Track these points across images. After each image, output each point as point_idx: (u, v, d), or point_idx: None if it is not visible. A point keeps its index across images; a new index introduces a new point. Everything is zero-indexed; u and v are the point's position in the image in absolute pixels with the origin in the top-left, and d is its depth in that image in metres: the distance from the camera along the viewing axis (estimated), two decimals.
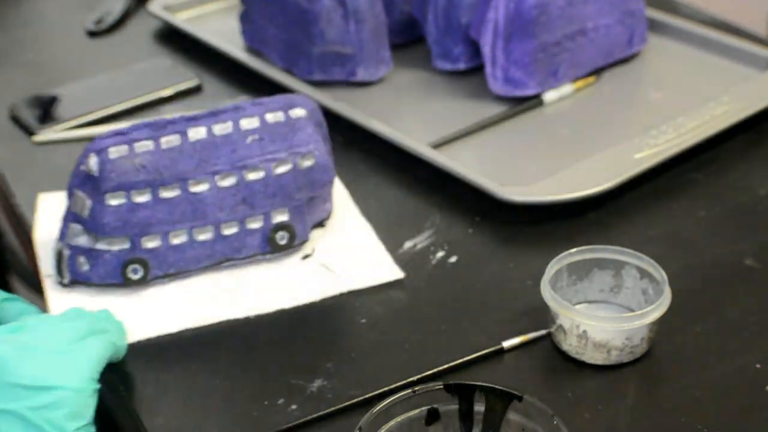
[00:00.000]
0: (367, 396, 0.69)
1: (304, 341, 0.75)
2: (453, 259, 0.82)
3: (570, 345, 0.71)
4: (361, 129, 0.95)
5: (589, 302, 0.76)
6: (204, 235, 0.78)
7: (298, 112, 0.80)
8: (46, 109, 1.05)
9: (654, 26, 1.13)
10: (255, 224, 0.79)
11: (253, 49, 1.11)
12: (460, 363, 0.71)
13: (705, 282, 0.79)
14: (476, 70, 1.05)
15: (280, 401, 0.69)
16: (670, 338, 0.73)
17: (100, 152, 0.75)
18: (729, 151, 0.94)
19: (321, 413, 0.68)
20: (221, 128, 0.77)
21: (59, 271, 0.78)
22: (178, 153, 0.76)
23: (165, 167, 0.76)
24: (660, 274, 0.72)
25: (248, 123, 0.78)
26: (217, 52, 1.12)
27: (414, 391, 0.63)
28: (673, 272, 0.75)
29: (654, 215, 0.86)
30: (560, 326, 0.71)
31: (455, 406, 0.64)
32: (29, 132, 1.02)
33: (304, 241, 0.81)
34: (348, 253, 0.82)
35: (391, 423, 0.63)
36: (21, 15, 1.29)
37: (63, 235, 0.78)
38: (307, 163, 0.79)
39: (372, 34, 1.02)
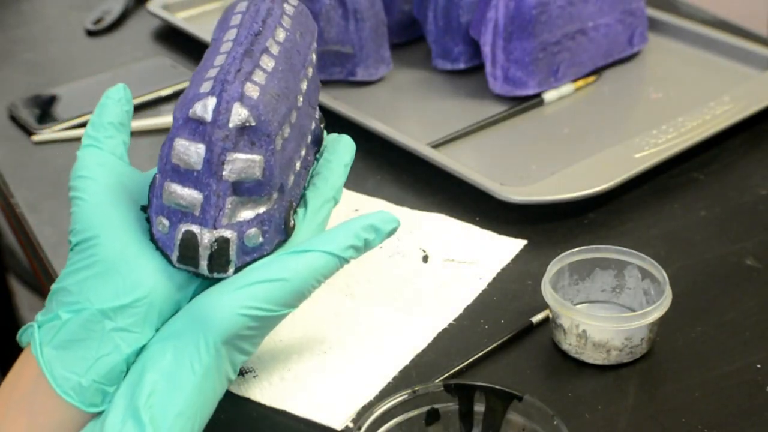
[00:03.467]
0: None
1: None
2: None
3: (570, 345, 0.71)
4: (360, 128, 0.95)
5: (591, 302, 0.76)
6: (304, 151, 0.69)
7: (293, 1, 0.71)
8: (46, 109, 1.05)
9: (654, 26, 1.12)
10: (314, 124, 0.71)
11: None
12: (460, 363, 0.71)
13: (705, 282, 0.79)
14: (476, 69, 1.05)
15: None
16: (670, 338, 0.73)
17: (243, 98, 0.61)
18: (729, 151, 0.94)
19: None
20: (279, 34, 0.66)
21: (217, 266, 0.62)
22: (282, 71, 0.64)
23: (287, 89, 0.64)
24: (661, 274, 0.72)
25: (287, 23, 0.68)
26: None
27: (414, 391, 0.63)
28: (673, 272, 0.75)
29: (654, 215, 0.86)
30: (560, 326, 0.71)
31: (455, 406, 0.64)
32: (28, 132, 1.02)
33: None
34: (458, 242, 0.82)
35: (391, 423, 0.63)
36: (20, 15, 1.29)
37: (214, 219, 0.61)
38: (314, 45, 0.72)
39: (372, 33, 1.02)
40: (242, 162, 0.61)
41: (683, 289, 0.76)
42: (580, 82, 1.04)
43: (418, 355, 0.72)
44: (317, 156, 0.72)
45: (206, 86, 0.61)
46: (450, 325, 0.75)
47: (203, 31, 1.15)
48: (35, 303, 1.61)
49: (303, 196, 0.69)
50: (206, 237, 0.62)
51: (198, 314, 0.61)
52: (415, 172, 0.92)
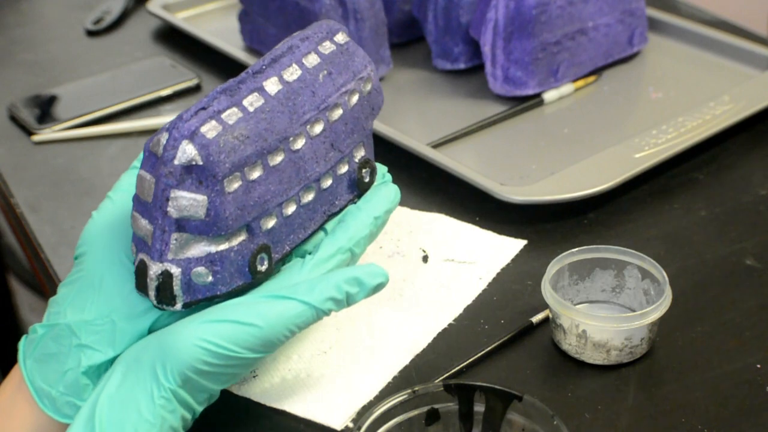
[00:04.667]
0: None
1: None
2: None
3: (570, 345, 0.71)
4: None
5: (591, 302, 0.76)
6: (308, 197, 0.67)
7: (343, 37, 0.69)
8: (45, 109, 1.05)
9: (654, 25, 1.13)
10: (343, 168, 0.69)
11: (252, 49, 1.11)
12: (460, 363, 0.71)
13: (705, 282, 0.79)
14: (476, 69, 1.05)
15: None
16: (670, 338, 0.73)
17: (194, 136, 0.60)
18: (729, 151, 0.94)
19: None
20: (290, 73, 0.66)
21: (164, 299, 0.63)
22: (269, 112, 0.64)
23: (265, 131, 0.63)
24: (661, 274, 0.72)
25: (311, 61, 0.67)
26: (217, 52, 1.12)
27: (414, 391, 0.63)
28: (673, 272, 0.75)
29: (654, 215, 0.86)
30: (560, 326, 0.71)
31: (455, 406, 0.64)
32: (28, 132, 1.02)
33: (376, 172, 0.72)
34: (458, 242, 0.82)
35: (391, 423, 0.63)
36: (20, 15, 1.29)
37: (161, 253, 0.62)
38: (368, 87, 0.70)
39: (372, 33, 1.02)
40: (185, 200, 0.61)
41: (683, 289, 0.76)
42: (580, 82, 1.04)
43: (418, 355, 0.72)
44: (355, 201, 0.70)
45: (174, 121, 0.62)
46: (450, 325, 0.75)
47: (203, 32, 1.15)
48: (35, 303, 1.61)
49: (320, 242, 0.67)
50: (153, 269, 0.62)
51: (159, 341, 0.62)
52: (415, 172, 0.92)
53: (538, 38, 0.98)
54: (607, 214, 0.86)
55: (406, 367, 0.71)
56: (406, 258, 0.81)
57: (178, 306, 0.63)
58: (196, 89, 1.08)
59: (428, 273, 0.79)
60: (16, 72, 1.15)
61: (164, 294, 0.62)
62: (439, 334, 0.74)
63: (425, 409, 0.64)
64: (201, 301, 0.63)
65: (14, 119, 1.05)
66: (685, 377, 0.70)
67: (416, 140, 0.93)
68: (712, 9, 1.19)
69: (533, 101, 1.01)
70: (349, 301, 0.64)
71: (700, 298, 0.77)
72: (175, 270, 0.62)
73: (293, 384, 0.70)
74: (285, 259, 0.67)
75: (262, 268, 0.64)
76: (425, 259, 0.81)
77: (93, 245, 0.66)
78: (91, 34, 1.22)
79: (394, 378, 0.70)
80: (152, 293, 0.62)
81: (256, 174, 0.63)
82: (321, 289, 0.63)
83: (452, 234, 0.83)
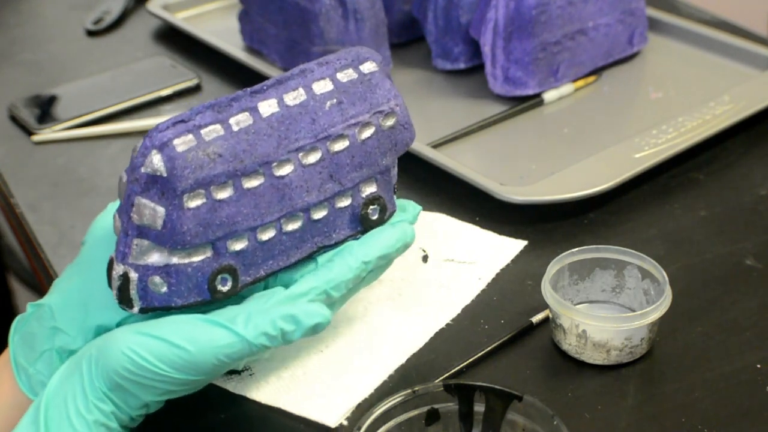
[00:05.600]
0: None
1: None
2: None
3: (570, 345, 0.71)
4: None
5: (591, 302, 0.76)
6: (293, 225, 0.65)
7: (370, 66, 0.68)
8: (45, 109, 1.05)
9: (654, 25, 1.12)
10: (344, 202, 0.67)
11: (252, 48, 1.11)
12: (460, 363, 0.71)
13: (705, 282, 0.79)
14: (476, 69, 1.05)
15: None
16: (670, 338, 0.73)
17: (164, 147, 0.61)
18: (729, 151, 0.94)
19: None
20: (293, 97, 0.65)
21: (123, 300, 0.63)
22: (254, 134, 0.63)
23: (244, 152, 0.63)
24: (661, 274, 0.72)
25: (321, 86, 0.66)
26: (217, 52, 1.12)
27: (414, 391, 0.63)
28: (673, 272, 0.75)
29: (654, 215, 0.86)
30: (560, 326, 0.71)
31: (455, 406, 0.64)
32: (28, 132, 1.02)
33: (392, 212, 0.70)
34: (458, 242, 0.82)
35: (391, 423, 0.63)
36: (20, 14, 1.29)
37: (123, 255, 0.63)
38: (390, 122, 0.68)
39: (372, 33, 1.02)
40: (146, 208, 0.61)
41: (683, 289, 0.76)
42: (580, 82, 1.04)
43: (418, 355, 0.72)
44: (358, 237, 0.68)
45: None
46: (450, 325, 0.75)
47: (203, 31, 1.15)
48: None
49: (302, 275, 0.66)
50: (116, 269, 0.63)
51: (102, 341, 0.62)
52: (415, 172, 0.92)
53: (538, 38, 0.98)
54: (607, 214, 0.86)
55: (406, 367, 0.71)
56: (405, 258, 0.80)
57: (135, 310, 0.63)
58: (196, 89, 1.08)
59: (428, 273, 0.79)
60: (16, 72, 1.15)
61: (124, 295, 0.63)
62: (440, 334, 0.74)
63: (425, 409, 0.64)
64: (157, 309, 0.63)
65: (14, 119, 1.05)
66: (685, 377, 0.70)
67: (416, 140, 0.92)
68: (712, 9, 1.19)
69: (533, 101, 1.01)
70: (285, 338, 0.62)
71: (700, 298, 0.77)
72: (133, 274, 0.62)
73: (289, 382, 0.70)
74: (269, 283, 0.66)
75: (224, 288, 0.64)
76: (425, 258, 0.81)
77: (94, 234, 0.68)
78: (91, 34, 1.22)
79: (394, 378, 0.70)
80: (115, 292, 0.63)
81: (224, 194, 0.62)
82: (256, 323, 0.61)
83: (452, 234, 0.83)
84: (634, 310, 0.74)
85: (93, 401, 0.61)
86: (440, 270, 0.80)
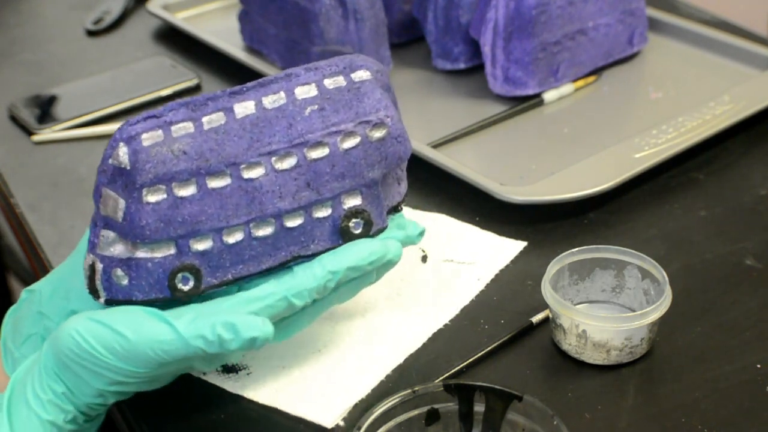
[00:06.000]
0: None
1: None
2: None
3: (570, 345, 0.71)
4: None
5: (591, 302, 0.76)
6: (264, 230, 0.64)
7: (362, 75, 0.66)
8: (45, 109, 1.05)
9: (654, 25, 1.12)
10: (323, 212, 0.65)
11: (252, 48, 1.11)
12: (460, 363, 0.71)
13: (705, 282, 0.79)
14: (476, 69, 1.05)
15: None
16: (670, 338, 0.73)
17: (131, 140, 0.61)
18: (729, 151, 0.94)
19: None
20: (272, 100, 0.64)
21: (92, 290, 0.64)
22: (224, 134, 0.63)
23: (211, 151, 0.62)
24: (661, 274, 0.72)
25: (304, 91, 0.65)
26: (217, 52, 1.12)
27: (414, 391, 0.63)
28: (673, 272, 0.75)
29: (654, 215, 0.86)
30: (560, 326, 0.71)
31: (455, 406, 0.64)
32: (28, 132, 1.02)
33: (382, 229, 0.67)
34: (458, 242, 0.82)
35: (391, 423, 0.63)
36: (20, 14, 1.29)
37: (93, 245, 0.63)
38: (379, 134, 0.66)
39: (372, 33, 1.02)
40: (109, 199, 0.62)
41: (683, 289, 0.76)
42: (580, 82, 1.04)
43: (418, 355, 0.72)
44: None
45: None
46: (450, 325, 0.75)
47: (203, 31, 1.15)
48: None
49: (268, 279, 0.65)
50: (87, 258, 0.64)
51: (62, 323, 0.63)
52: (415, 172, 0.91)
53: (538, 38, 0.98)
54: (607, 214, 0.86)
55: (406, 367, 0.71)
56: (405, 258, 0.80)
57: (101, 300, 0.63)
58: (196, 89, 1.08)
59: (427, 273, 0.79)
60: (16, 72, 1.15)
61: (92, 285, 0.64)
62: (440, 334, 0.74)
63: (425, 409, 0.64)
64: (121, 302, 0.63)
65: (14, 119, 1.05)
66: (685, 377, 0.70)
67: (416, 140, 0.93)
68: (712, 9, 1.19)
69: (533, 101, 1.01)
70: (222, 345, 0.60)
71: (700, 298, 0.77)
72: (99, 265, 0.63)
73: (286, 382, 0.70)
74: (242, 288, 0.65)
75: (185, 287, 0.63)
76: (424, 259, 0.81)
77: None
78: (91, 34, 1.22)
79: (394, 378, 0.70)
80: (85, 281, 0.64)
81: (187, 192, 0.62)
82: (198, 325, 0.61)
83: (452, 234, 0.83)
84: (634, 310, 0.74)
85: (46, 381, 0.62)
86: (439, 270, 0.80)
